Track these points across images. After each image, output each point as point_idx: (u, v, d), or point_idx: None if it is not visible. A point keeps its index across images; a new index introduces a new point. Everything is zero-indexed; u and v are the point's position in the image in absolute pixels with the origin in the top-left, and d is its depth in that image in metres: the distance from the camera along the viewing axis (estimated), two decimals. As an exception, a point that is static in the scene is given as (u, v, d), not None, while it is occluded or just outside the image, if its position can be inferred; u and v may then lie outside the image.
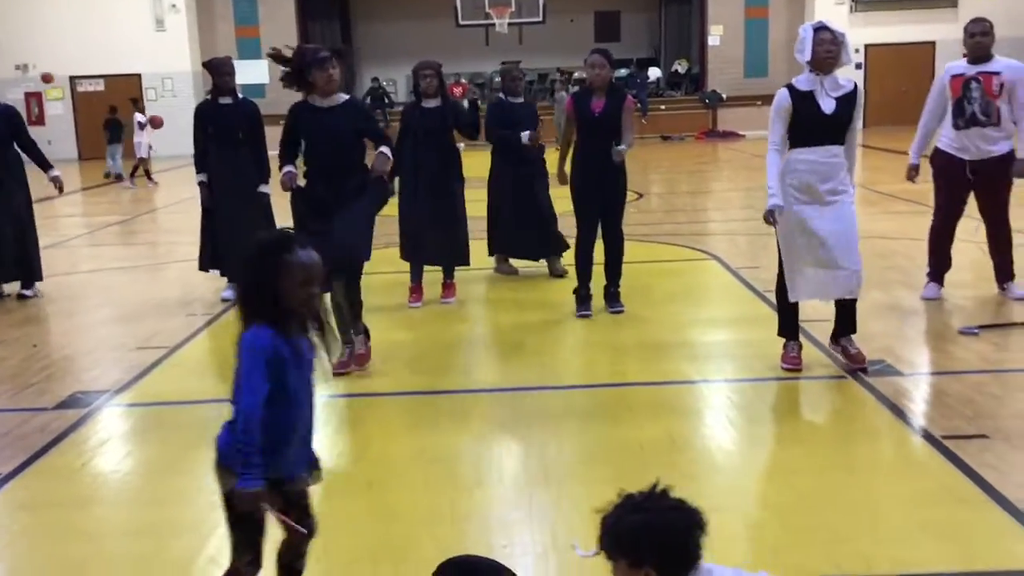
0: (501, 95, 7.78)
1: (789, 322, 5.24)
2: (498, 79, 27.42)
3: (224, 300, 7.26)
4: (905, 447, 4.19)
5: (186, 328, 6.61)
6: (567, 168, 6.64)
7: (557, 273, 7.65)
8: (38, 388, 5.37)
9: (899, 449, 4.17)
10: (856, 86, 5.03)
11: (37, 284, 7.67)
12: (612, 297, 6.57)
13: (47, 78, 18.78)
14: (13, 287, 7.66)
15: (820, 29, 4.93)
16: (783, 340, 5.25)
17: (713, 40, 25.68)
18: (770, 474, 4.02)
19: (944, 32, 23.49)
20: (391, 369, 5.46)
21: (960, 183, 6.30)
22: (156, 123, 17.71)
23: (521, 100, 7.63)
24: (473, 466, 4.09)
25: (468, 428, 4.53)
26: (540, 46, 26.37)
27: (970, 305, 6.41)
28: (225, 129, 7.09)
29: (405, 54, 28.34)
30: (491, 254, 7.82)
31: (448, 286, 7.17)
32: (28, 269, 7.60)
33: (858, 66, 23.92)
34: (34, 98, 24.18)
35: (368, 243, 5.39)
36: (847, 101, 4.94)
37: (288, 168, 5.28)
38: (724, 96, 25.13)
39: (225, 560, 3.28)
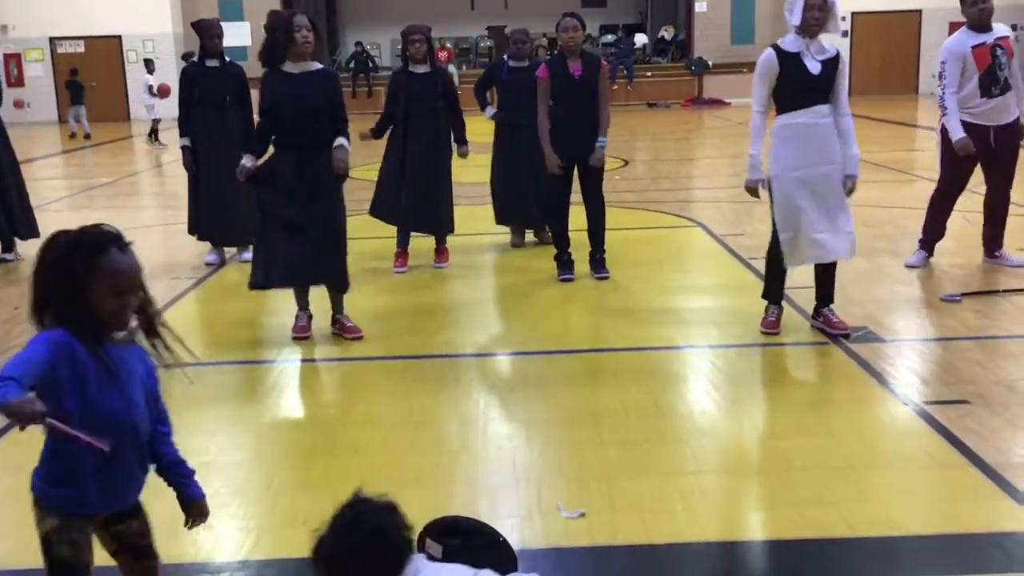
0: (505, 58, 7.74)
1: (776, 287, 5.26)
2: (484, 44, 27.43)
3: (208, 264, 7.23)
4: (887, 412, 4.23)
5: (170, 291, 6.58)
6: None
7: (546, 241, 7.65)
8: (19, 350, 5.33)
9: (881, 414, 4.21)
10: (839, 52, 5.04)
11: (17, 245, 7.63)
12: (598, 263, 6.58)
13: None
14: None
15: None
16: (765, 303, 5.28)
17: (700, 6, 25.56)
18: (753, 438, 4.05)
19: (929, 0, 23.48)
20: (377, 333, 5.46)
21: (978, 153, 6.24)
22: (164, 92, 17.57)
23: (526, 64, 7.49)
24: (458, 429, 4.11)
25: (453, 392, 4.54)
26: (526, 10, 26.18)
27: (954, 273, 6.45)
28: (211, 93, 6.98)
29: (390, 18, 28.07)
30: (498, 223, 7.78)
31: (441, 251, 7.20)
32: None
33: (844, 34, 23.87)
34: (13, 59, 23.87)
35: (345, 265, 5.28)
36: (831, 64, 4.96)
37: (244, 161, 5.11)
38: (710, 63, 25.06)
39: (213, 520, 3.30)
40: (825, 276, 5.20)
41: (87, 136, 18.40)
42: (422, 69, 6.82)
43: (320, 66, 5.20)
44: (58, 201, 11.23)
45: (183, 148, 7.12)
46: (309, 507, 3.39)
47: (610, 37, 24.96)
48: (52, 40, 24.25)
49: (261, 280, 5.20)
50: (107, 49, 23.94)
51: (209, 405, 4.52)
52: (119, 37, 24.21)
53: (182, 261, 7.43)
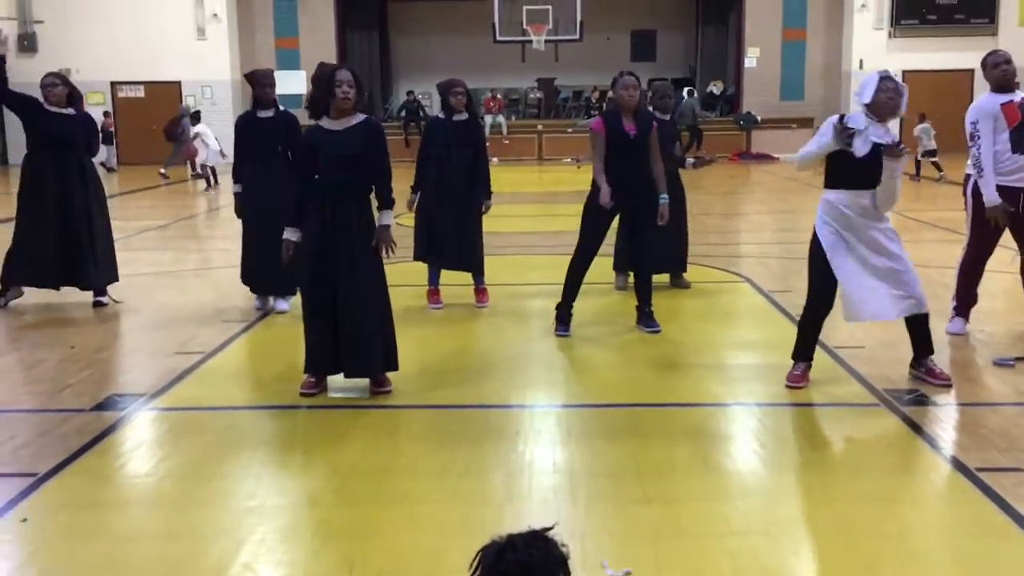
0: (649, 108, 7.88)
1: (809, 347, 5.30)
2: (534, 95, 27.72)
3: (257, 309, 7.33)
4: (938, 478, 4.16)
5: (221, 335, 6.69)
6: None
7: (684, 285, 7.99)
8: (75, 389, 5.46)
9: (932, 479, 4.15)
10: (897, 143, 5.04)
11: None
12: (646, 316, 6.59)
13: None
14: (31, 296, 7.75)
15: (886, 78, 5.04)
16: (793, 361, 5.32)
17: (749, 62, 25.66)
18: (801, 500, 4.00)
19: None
20: (422, 382, 5.49)
21: (1011, 214, 6.17)
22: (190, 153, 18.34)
23: (668, 118, 7.83)
24: (503, 481, 4.11)
25: (497, 443, 4.55)
26: (576, 64, 26.48)
27: (1003, 335, 6.35)
28: (264, 142, 7.08)
29: (442, 68, 28.49)
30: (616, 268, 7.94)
31: (481, 291, 7.46)
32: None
33: (895, 91, 23.77)
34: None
35: (391, 344, 5.28)
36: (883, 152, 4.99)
37: (288, 236, 5.16)
38: (759, 118, 25.08)
39: (259, 565, 3.33)
40: (914, 328, 5.26)
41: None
42: (461, 117, 7.23)
43: (363, 117, 5.14)
44: (115, 242, 11.46)
45: (236, 195, 7.25)
46: (355, 555, 3.41)
47: (685, 92, 25.06)
48: (113, 84, 24.93)
49: (310, 367, 5.25)
50: (166, 94, 24.54)
51: (255, 449, 4.57)
52: (179, 83, 24.83)
53: (232, 305, 7.54)
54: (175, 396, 5.36)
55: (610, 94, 6.44)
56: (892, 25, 24.00)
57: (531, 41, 25.08)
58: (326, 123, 5.09)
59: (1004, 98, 6.12)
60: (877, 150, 4.98)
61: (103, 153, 21.23)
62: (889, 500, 3.89)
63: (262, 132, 7.10)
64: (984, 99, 6.22)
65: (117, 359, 6.43)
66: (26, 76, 24.60)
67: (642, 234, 6.49)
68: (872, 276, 5.04)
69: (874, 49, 24.02)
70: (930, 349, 5.31)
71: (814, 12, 25.27)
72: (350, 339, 5.11)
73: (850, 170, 5.02)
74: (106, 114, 22.49)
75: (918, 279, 5.16)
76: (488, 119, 24.97)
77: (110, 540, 3.59)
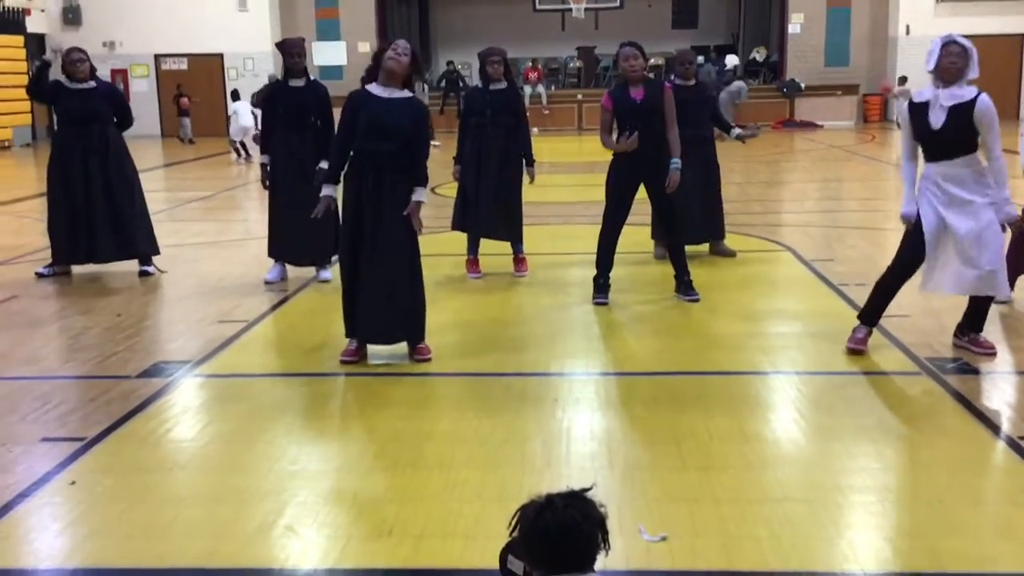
0: (672, 77, 7.93)
1: (876, 312, 5.26)
2: (573, 64, 27.55)
3: (267, 283, 7.28)
4: (979, 446, 4.13)
5: (264, 304, 6.78)
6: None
7: (725, 252, 7.98)
8: (122, 357, 5.57)
9: (973, 448, 4.11)
10: (978, 98, 4.88)
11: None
12: (685, 285, 6.57)
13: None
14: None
15: (949, 43, 4.93)
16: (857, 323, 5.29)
17: (793, 28, 25.26)
18: (839, 468, 3.99)
19: (1034, 23, 22.83)
20: (462, 349, 5.53)
21: None
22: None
23: (692, 83, 7.83)
24: (542, 447, 4.14)
25: (537, 410, 4.58)
26: (616, 32, 26.05)
27: (1053, 305, 6.26)
28: (294, 111, 7.02)
29: (481, 38, 28.32)
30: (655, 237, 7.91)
31: (520, 260, 7.48)
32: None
33: (943, 57, 23.31)
34: (120, 75, 24.82)
35: (421, 313, 5.32)
36: (960, 112, 4.86)
37: (328, 192, 5.20)
38: (803, 85, 24.72)
39: (302, 527, 3.40)
40: (977, 303, 5.22)
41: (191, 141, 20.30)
42: (500, 86, 7.22)
43: (409, 94, 5.16)
44: (160, 213, 11.62)
45: (262, 165, 7.22)
46: (395, 518, 3.46)
47: (700, 59, 24.78)
48: (157, 57, 25.17)
49: (350, 332, 5.33)
50: (209, 66, 24.75)
51: (297, 415, 4.65)
52: (221, 55, 25.00)
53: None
54: (219, 363, 5.44)
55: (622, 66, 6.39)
56: (940, -10, 23.49)
57: (571, 9, 24.89)
58: (373, 88, 5.12)
59: None
60: (956, 117, 4.87)
61: (186, 127, 21.64)
62: (928, 467, 3.87)
63: (292, 101, 7.05)
64: None
65: (162, 327, 6.55)
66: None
67: (667, 203, 6.46)
68: (954, 250, 4.96)
69: (921, 15, 23.54)
70: (980, 327, 5.26)
71: (860, -23, 24.81)
72: (378, 307, 5.15)
73: (930, 143, 4.97)
74: (181, 92, 22.80)
75: (1002, 258, 5.05)
76: (528, 89, 24.86)
77: (157, 502, 3.68)
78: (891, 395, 4.91)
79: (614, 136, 6.34)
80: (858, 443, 4.21)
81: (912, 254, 5.09)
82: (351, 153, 5.15)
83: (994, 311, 6.11)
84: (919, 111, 4.97)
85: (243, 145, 18.30)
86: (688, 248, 7.17)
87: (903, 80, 18.34)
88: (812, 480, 3.81)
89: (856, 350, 5.23)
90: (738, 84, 22.65)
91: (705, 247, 8.04)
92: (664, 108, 6.33)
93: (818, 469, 3.94)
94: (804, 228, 9.64)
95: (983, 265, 4.94)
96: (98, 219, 7.55)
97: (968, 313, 5.29)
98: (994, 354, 5.16)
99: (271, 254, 7.41)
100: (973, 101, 4.86)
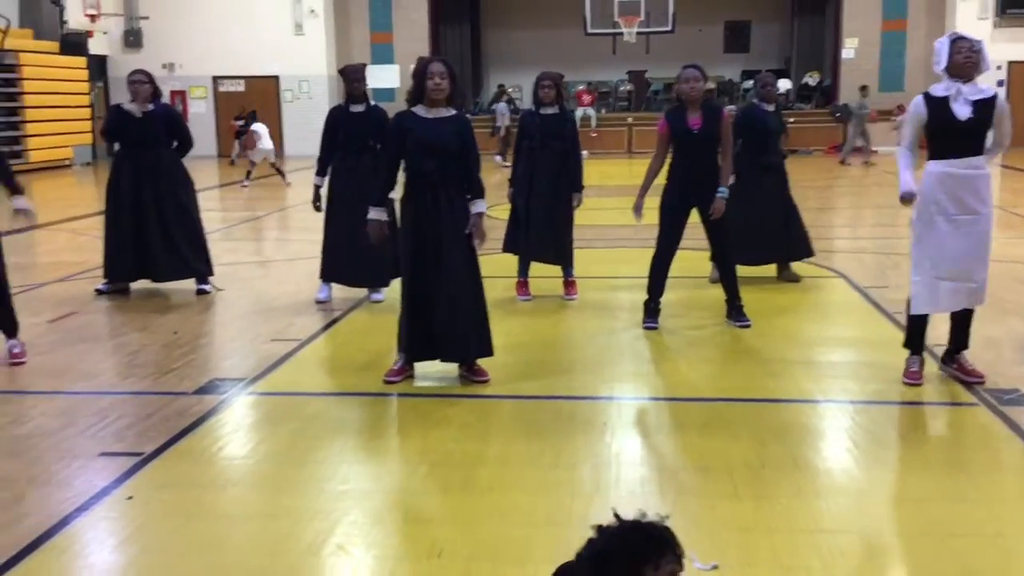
0: (755, 101, 8.07)
1: (916, 336, 5.19)
2: (624, 87, 27.58)
3: (319, 303, 7.35)
4: (1040, 480, 4.04)
5: (317, 323, 6.86)
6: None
7: (791, 278, 8.00)
8: (178, 373, 5.66)
9: (1033, 482, 4.03)
10: (997, 94, 4.95)
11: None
12: (736, 311, 6.53)
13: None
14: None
15: (957, 40, 4.92)
16: (907, 354, 5.22)
17: (847, 52, 25.06)
18: (895, 499, 3.94)
19: (1096, 49, 22.43)
20: (512, 372, 5.54)
21: None
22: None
23: (772, 108, 7.98)
24: (591, 472, 4.13)
25: (587, 435, 4.57)
26: (667, 55, 26.18)
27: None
28: (355, 136, 7.15)
29: (532, 61, 28.55)
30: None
31: (570, 284, 7.49)
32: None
33: (1000, 83, 22.98)
34: (178, 96, 25.33)
35: (486, 328, 5.37)
36: (985, 106, 4.86)
37: (375, 216, 5.30)
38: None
39: (352, 547, 3.43)
40: (961, 321, 5.15)
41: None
42: (550, 111, 7.24)
43: (453, 112, 5.22)
44: (216, 232, 11.82)
45: (316, 187, 7.31)
46: (445, 541, 3.48)
47: (749, 83, 24.69)
48: (215, 79, 25.66)
49: (406, 349, 5.35)
50: (265, 88, 25.16)
51: (348, 435, 4.69)
52: (276, 77, 25.42)
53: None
54: (272, 381, 5.52)
55: (675, 87, 6.43)
56: (997, 15, 23.15)
57: (622, 33, 24.92)
58: (419, 110, 5.19)
59: None
60: (982, 111, 4.85)
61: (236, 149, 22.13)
62: (986, 500, 3.80)
63: (353, 126, 7.18)
64: None
65: (218, 345, 6.66)
66: (130, 70, 25.62)
67: (720, 228, 6.44)
68: (951, 263, 4.92)
69: (971, 34, 23.21)
70: (966, 344, 5.20)
71: (915, 2, 24.55)
72: (446, 325, 5.20)
73: (952, 135, 4.88)
74: (240, 117, 23.26)
75: (987, 263, 5.05)
76: (578, 112, 24.92)
77: (211, 519, 3.73)
78: (946, 426, 4.83)
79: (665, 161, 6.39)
80: (912, 474, 4.15)
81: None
82: (407, 176, 5.22)
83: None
84: (940, 104, 4.88)
85: (274, 167, 18.53)
86: (748, 271, 7.17)
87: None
88: (865, 511, 3.76)
89: (912, 384, 5.14)
90: (859, 101, 22.60)
91: (767, 271, 8.00)
92: (721, 135, 6.32)
93: (871, 500, 3.88)
94: (857, 254, 9.54)
95: (977, 279, 4.96)
96: (152, 240, 7.69)
97: (956, 332, 5.19)
98: (983, 381, 5.07)
99: (324, 276, 7.49)
100: (994, 97, 4.90)
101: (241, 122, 22.25)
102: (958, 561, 3.29)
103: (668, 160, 6.45)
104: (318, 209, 7.37)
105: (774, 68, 26.97)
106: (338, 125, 7.26)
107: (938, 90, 4.92)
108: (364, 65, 7.70)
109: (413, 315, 5.25)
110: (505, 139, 21.66)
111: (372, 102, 7.39)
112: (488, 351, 5.38)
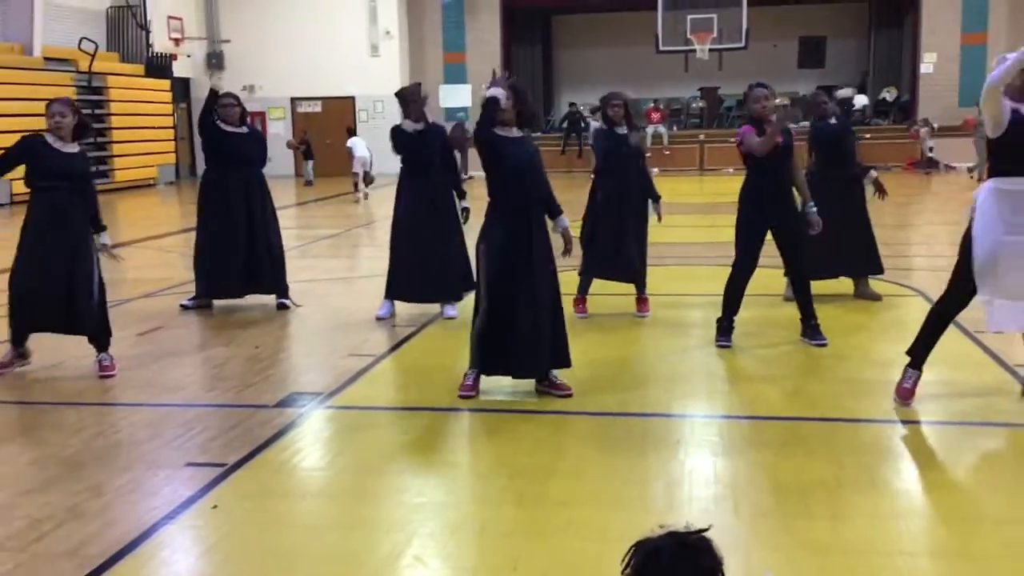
0: (832, 120, 7.98)
1: (923, 349, 5.10)
2: (696, 104, 27.46)
3: (379, 319, 7.46)
4: None
5: (391, 339, 6.98)
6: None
7: (870, 296, 7.92)
8: (259, 387, 5.82)
9: (1122, 506, 3.92)
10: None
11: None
12: (812, 329, 6.47)
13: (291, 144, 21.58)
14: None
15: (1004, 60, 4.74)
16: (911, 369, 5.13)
17: (926, 67, 24.63)
18: (973, 521, 3.86)
19: None
20: (583, 387, 5.57)
21: None
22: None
23: (833, 120, 7.97)
24: (664, 489, 4.14)
25: (659, 452, 4.58)
26: (740, 72, 25.93)
27: None
28: (416, 155, 7.32)
29: (604, 79, 28.61)
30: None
31: (643, 300, 7.49)
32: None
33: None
34: (258, 117, 25.95)
35: (566, 341, 5.46)
36: None
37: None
38: (936, 126, 24.00)
39: (429, 558, 3.50)
40: None
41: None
42: (623, 131, 7.28)
43: (520, 133, 5.34)
44: (293, 249, 12.09)
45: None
46: (520, 554, 3.52)
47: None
48: (293, 100, 26.24)
49: (484, 366, 5.43)
50: (342, 109, 25.64)
51: (425, 448, 4.77)
52: (352, 98, 25.88)
53: (401, 310, 7.80)
54: (349, 396, 5.63)
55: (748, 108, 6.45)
56: (1083, 25, 22.55)
57: (695, 50, 24.83)
58: (499, 129, 5.29)
59: None
60: None
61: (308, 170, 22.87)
62: (1072, 526, 3.71)
63: (415, 145, 7.32)
64: None
65: (296, 359, 6.82)
66: (214, 93, 26.33)
67: (793, 248, 6.40)
68: (1012, 279, 4.76)
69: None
70: None
71: (995, 15, 24.04)
72: (529, 340, 5.28)
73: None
74: (302, 131, 24.08)
75: None
76: (650, 129, 24.90)
77: (292, 528, 3.84)
78: (1031, 448, 4.72)
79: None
80: (991, 496, 4.07)
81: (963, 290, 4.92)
82: (499, 194, 5.34)
83: None
84: (1021, 118, 4.73)
85: (366, 176, 18.94)
86: (823, 289, 7.11)
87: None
88: (944, 534, 3.71)
89: (903, 403, 5.07)
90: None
91: (845, 289, 7.90)
92: (794, 155, 6.35)
93: (950, 523, 3.83)
94: (935, 272, 9.34)
95: None
96: (252, 256, 7.92)
97: None
98: None
99: (388, 294, 7.57)
100: None
101: (303, 147, 22.82)
102: (1042, 585, 3.23)
103: (743, 182, 6.44)
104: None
105: (850, 84, 26.67)
106: (400, 147, 7.39)
107: (1009, 106, 4.75)
108: (419, 84, 7.82)
109: (493, 331, 5.32)
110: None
111: (431, 121, 7.48)
112: (567, 362, 5.46)
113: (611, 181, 7.26)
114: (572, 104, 26.25)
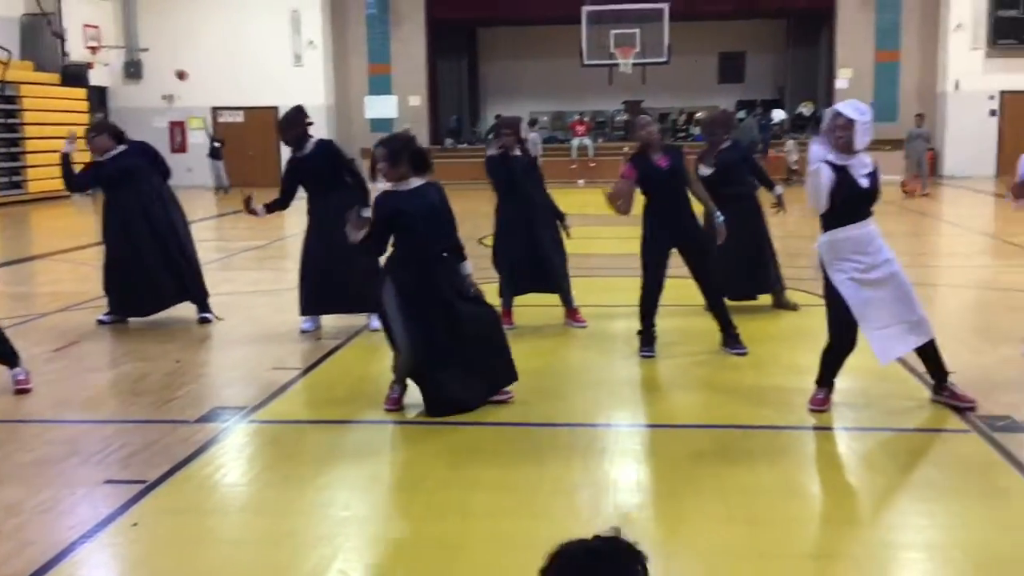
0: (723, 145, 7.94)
1: (831, 374, 5.33)
2: (620, 117, 27.81)
3: (304, 332, 7.43)
4: (1030, 505, 4.11)
5: (316, 352, 6.93)
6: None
7: (786, 306, 8.05)
8: (180, 402, 5.73)
9: (1021, 506, 4.09)
10: (875, 164, 5.14)
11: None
12: (732, 339, 6.62)
13: (181, 74, 20.97)
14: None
15: (836, 115, 5.02)
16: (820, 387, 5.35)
17: (841, 83, 25.30)
18: (887, 525, 4.00)
19: (1086, 79, 22.67)
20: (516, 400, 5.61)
21: None
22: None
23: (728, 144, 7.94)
24: (589, 499, 4.20)
25: (583, 461, 4.64)
26: (663, 86, 26.49)
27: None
28: (316, 179, 7.30)
29: (529, 92, 28.92)
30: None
31: (574, 311, 7.61)
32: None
33: (992, 112, 23.24)
34: (178, 127, 25.53)
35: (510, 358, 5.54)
36: (874, 178, 5.07)
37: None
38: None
39: (354, 572, 3.49)
40: (926, 357, 5.28)
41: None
42: (517, 152, 7.44)
43: (420, 181, 5.30)
44: (213, 262, 11.91)
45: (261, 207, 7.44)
46: (445, 566, 3.54)
47: (742, 114, 24.92)
48: (214, 109, 25.85)
49: (451, 410, 5.38)
50: (264, 119, 25.33)
51: (350, 462, 4.75)
52: (275, 108, 25.59)
53: (326, 323, 7.74)
54: (273, 410, 5.58)
55: (640, 133, 6.60)
56: (989, 45, 23.42)
57: (618, 64, 25.17)
58: (395, 186, 5.31)
59: None
60: (872, 181, 5.04)
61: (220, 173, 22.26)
62: (976, 526, 3.86)
63: (306, 169, 7.32)
64: None
65: (218, 373, 6.72)
66: (130, 101, 25.84)
67: (701, 264, 6.56)
68: (885, 312, 5.05)
69: (970, 69, 23.49)
70: (946, 373, 5.29)
71: (908, 33, 24.84)
72: (462, 376, 5.33)
73: (856, 203, 5.04)
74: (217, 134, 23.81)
75: (916, 301, 5.18)
76: (575, 142, 25.18)
77: (216, 544, 3.79)
78: (940, 453, 4.90)
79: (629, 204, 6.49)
80: (906, 500, 4.22)
81: (848, 335, 5.16)
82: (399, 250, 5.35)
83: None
84: (843, 173, 5.00)
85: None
86: (741, 302, 7.27)
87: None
88: (859, 536, 3.83)
89: (817, 411, 5.27)
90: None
91: (763, 299, 8.07)
92: (687, 173, 6.56)
93: (865, 526, 3.95)
94: (852, 283, 9.62)
95: (911, 317, 5.09)
96: (162, 271, 7.80)
97: (930, 366, 5.31)
98: (974, 407, 5.16)
99: (305, 310, 7.50)
100: (875, 169, 5.09)
101: (218, 144, 22.62)
102: None
103: (643, 205, 6.58)
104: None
105: (768, 98, 27.32)
106: (295, 173, 7.39)
107: (837, 158, 5.00)
108: (296, 108, 7.61)
109: (422, 372, 5.33)
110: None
111: (315, 140, 7.43)
112: (512, 378, 5.52)
113: (513, 202, 7.39)
114: (498, 116, 26.29)
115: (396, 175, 5.27)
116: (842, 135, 4.96)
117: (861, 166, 5.03)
